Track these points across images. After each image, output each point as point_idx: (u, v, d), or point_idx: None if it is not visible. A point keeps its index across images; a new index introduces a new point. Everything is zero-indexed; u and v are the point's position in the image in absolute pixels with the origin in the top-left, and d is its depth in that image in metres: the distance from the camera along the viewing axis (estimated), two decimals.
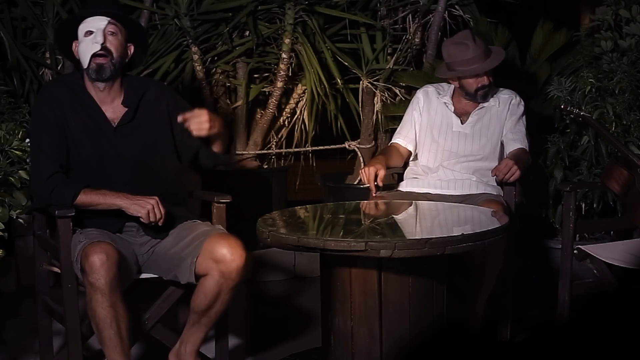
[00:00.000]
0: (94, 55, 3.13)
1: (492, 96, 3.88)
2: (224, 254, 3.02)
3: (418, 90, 4.04)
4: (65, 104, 3.16)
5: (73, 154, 3.16)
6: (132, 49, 3.25)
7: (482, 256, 3.52)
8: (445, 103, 3.90)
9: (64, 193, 3.07)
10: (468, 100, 3.86)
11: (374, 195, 3.65)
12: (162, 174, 3.25)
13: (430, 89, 3.97)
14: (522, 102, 3.90)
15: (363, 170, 3.67)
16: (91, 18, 3.17)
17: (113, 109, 3.20)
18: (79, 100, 3.18)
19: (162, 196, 3.10)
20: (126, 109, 3.20)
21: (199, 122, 3.12)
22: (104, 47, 3.13)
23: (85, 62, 3.15)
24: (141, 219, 3.06)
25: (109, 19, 3.16)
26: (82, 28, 3.17)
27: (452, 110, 3.89)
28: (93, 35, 3.14)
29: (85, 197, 3.07)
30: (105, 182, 3.13)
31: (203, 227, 3.19)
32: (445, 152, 3.85)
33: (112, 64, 3.14)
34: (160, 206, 3.06)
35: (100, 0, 3.21)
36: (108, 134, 3.17)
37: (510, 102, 3.86)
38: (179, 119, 3.14)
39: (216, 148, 3.29)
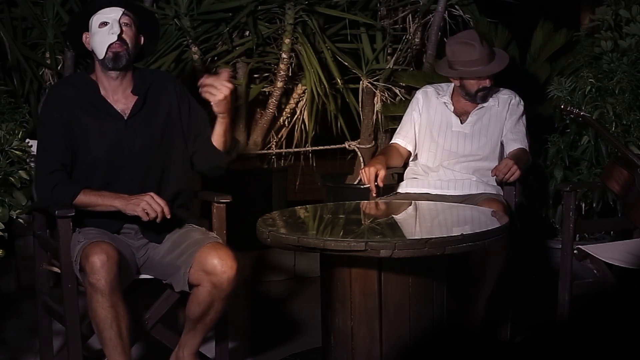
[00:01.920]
0: (111, 45, 3.15)
1: (491, 96, 3.88)
2: (215, 266, 3.02)
3: (417, 91, 4.05)
4: (74, 103, 3.18)
5: (84, 151, 3.18)
6: (142, 39, 3.29)
7: (482, 256, 3.52)
8: (444, 103, 3.90)
9: (64, 191, 3.09)
10: (467, 100, 3.86)
11: (374, 195, 3.65)
12: (173, 168, 3.26)
13: (429, 89, 3.97)
14: (522, 102, 3.90)
15: (363, 171, 3.68)
16: (105, 9, 3.19)
17: (125, 99, 3.22)
18: (87, 98, 3.20)
19: (171, 194, 3.12)
20: (136, 98, 3.22)
21: (219, 84, 3.12)
22: (120, 37, 3.16)
23: (101, 52, 3.17)
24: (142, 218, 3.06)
25: (123, 9, 3.19)
26: (96, 19, 3.19)
27: (452, 110, 3.89)
28: (109, 26, 3.16)
29: (85, 198, 3.08)
30: (116, 177, 3.16)
31: (197, 235, 3.19)
32: (444, 152, 3.85)
33: (128, 53, 3.18)
34: (156, 199, 3.04)
35: None
36: (120, 127, 3.19)
37: (509, 102, 3.87)
38: (200, 81, 3.15)
39: (220, 145, 3.28)
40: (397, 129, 4.03)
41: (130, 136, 3.19)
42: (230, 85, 3.15)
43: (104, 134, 3.18)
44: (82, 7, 3.30)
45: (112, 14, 3.18)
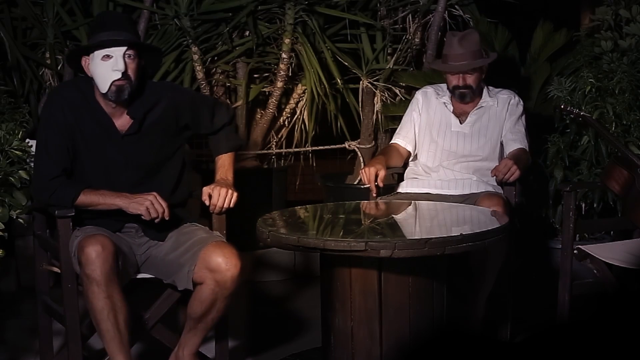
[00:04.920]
0: (114, 81, 3.07)
1: (490, 96, 3.88)
2: (219, 263, 3.03)
3: (417, 91, 4.05)
4: (78, 108, 3.15)
5: (80, 158, 3.16)
6: (142, 62, 3.19)
7: (482, 256, 3.52)
8: (444, 103, 3.90)
9: (64, 195, 3.08)
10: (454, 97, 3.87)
11: (374, 195, 3.66)
12: (167, 178, 3.26)
13: (429, 89, 3.98)
14: (521, 102, 3.90)
15: (363, 171, 3.68)
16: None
17: (121, 121, 3.18)
18: (88, 107, 3.16)
19: (166, 199, 3.10)
20: (132, 120, 3.18)
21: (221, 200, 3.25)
22: (124, 73, 3.07)
23: (104, 87, 3.09)
24: (142, 217, 3.06)
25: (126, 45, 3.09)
26: (100, 51, 3.08)
27: (451, 110, 3.89)
28: (113, 61, 3.06)
29: (85, 198, 3.08)
30: (109, 188, 3.12)
31: (201, 234, 3.19)
32: (444, 152, 3.85)
33: (130, 86, 3.10)
34: (159, 200, 3.05)
35: (116, 21, 3.14)
36: (116, 141, 3.17)
37: (509, 102, 3.87)
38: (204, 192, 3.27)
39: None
40: (397, 129, 4.03)
41: (126, 152, 3.17)
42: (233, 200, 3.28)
43: (100, 146, 3.15)
44: (88, 39, 3.17)
45: (117, 47, 3.07)
